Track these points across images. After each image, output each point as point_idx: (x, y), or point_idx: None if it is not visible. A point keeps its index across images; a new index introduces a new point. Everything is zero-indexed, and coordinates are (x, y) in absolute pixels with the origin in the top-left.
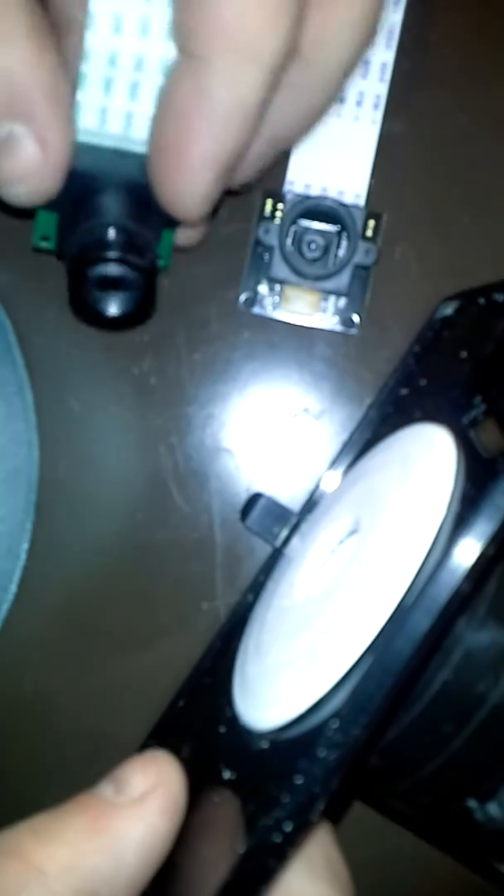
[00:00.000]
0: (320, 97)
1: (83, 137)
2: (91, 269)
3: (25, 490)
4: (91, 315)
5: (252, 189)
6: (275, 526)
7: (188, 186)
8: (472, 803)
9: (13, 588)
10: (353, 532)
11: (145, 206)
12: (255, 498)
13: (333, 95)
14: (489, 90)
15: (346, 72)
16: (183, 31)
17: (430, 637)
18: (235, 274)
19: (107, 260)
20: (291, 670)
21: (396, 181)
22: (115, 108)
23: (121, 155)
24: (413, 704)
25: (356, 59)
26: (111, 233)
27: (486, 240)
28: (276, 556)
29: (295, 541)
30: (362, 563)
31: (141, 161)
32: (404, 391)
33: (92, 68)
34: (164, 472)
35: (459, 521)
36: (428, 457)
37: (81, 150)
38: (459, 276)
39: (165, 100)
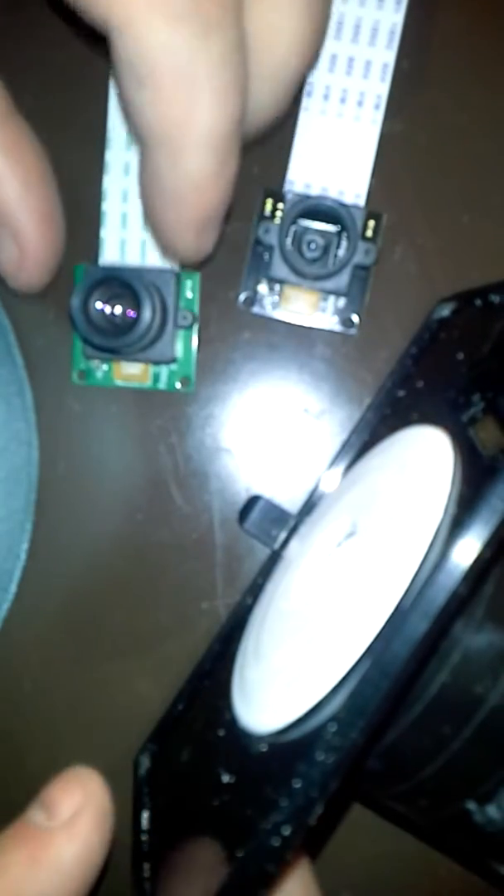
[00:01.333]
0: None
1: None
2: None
3: (25, 490)
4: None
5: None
6: (273, 529)
7: (175, 245)
8: (472, 805)
9: (13, 588)
10: (351, 535)
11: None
12: (252, 500)
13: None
14: (489, 90)
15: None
16: (129, 124)
17: (428, 640)
18: (235, 274)
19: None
20: (289, 673)
21: (396, 181)
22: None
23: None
24: (411, 707)
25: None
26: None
27: (486, 240)
28: (274, 559)
29: (293, 543)
30: (360, 565)
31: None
32: (401, 393)
33: (110, 206)
34: (164, 472)
35: (457, 523)
36: (425, 459)
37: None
38: (459, 276)
39: (139, 180)
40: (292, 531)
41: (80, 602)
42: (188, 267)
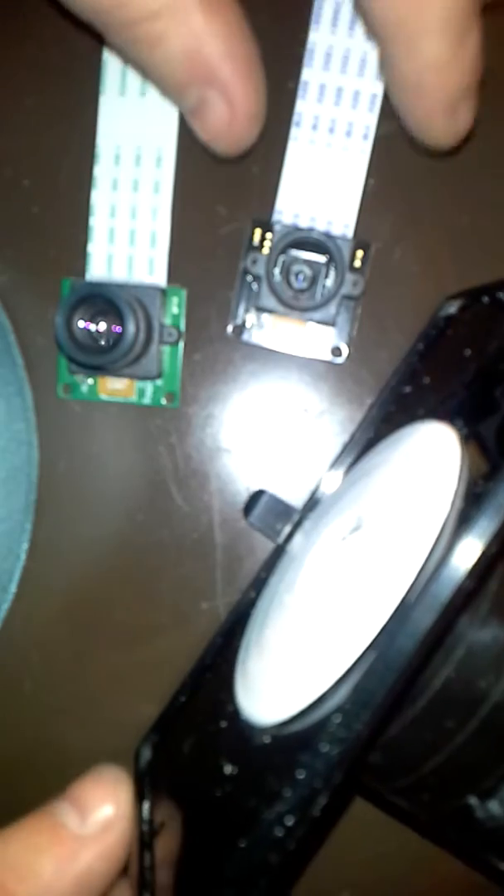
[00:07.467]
0: None
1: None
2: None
3: (25, 490)
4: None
5: None
6: (277, 522)
7: (429, 132)
8: (473, 800)
9: (13, 588)
10: (356, 529)
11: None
12: (257, 494)
13: None
14: (488, 89)
15: None
16: (365, 24)
17: (433, 634)
18: (233, 275)
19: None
20: (294, 666)
21: (397, 181)
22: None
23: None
24: (415, 701)
25: None
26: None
27: (486, 240)
28: (278, 553)
29: (298, 538)
30: (365, 559)
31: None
32: (407, 389)
33: (98, 221)
34: (164, 472)
35: (463, 518)
36: (432, 454)
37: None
38: (459, 276)
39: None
40: (297, 525)
41: (79, 602)
42: (175, 283)
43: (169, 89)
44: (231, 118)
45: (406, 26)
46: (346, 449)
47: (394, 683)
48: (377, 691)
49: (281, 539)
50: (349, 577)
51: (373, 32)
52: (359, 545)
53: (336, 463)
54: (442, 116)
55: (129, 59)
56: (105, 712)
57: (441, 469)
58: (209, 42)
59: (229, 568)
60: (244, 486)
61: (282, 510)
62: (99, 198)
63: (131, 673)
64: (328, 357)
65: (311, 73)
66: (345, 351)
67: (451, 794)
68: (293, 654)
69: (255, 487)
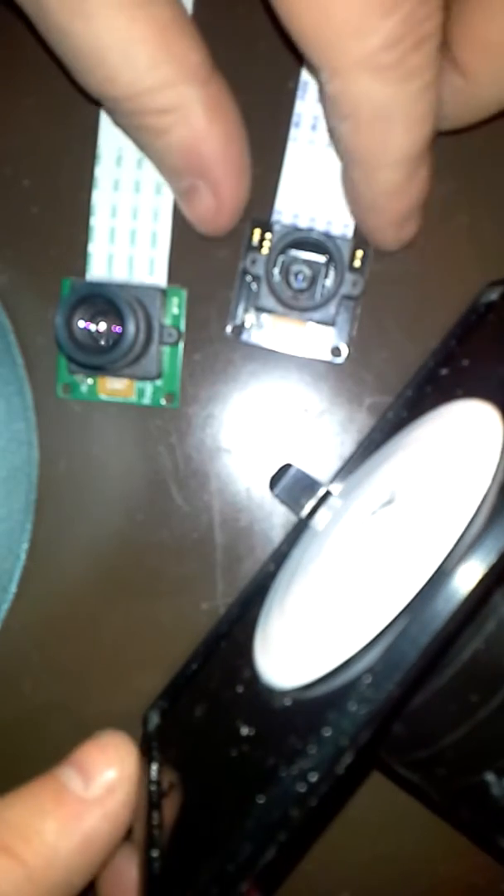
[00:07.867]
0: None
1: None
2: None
3: (25, 490)
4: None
5: None
6: (303, 497)
7: (377, 241)
8: (490, 777)
9: (13, 588)
10: (389, 503)
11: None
12: (284, 468)
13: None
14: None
15: None
16: (332, 141)
17: (469, 602)
18: (233, 276)
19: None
20: (322, 630)
21: None
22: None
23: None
24: (442, 671)
25: None
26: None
27: (486, 240)
28: (301, 527)
29: (323, 512)
30: (399, 530)
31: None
32: (444, 371)
33: (98, 221)
34: (164, 472)
35: None
36: (473, 428)
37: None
38: (459, 276)
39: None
40: (321, 500)
41: (79, 602)
42: (175, 283)
43: (164, 172)
44: (217, 210)
45: (368, 157)
46: (374, 430)
47: (427, 646)
48: (410, 653)
49: (305, 513)
50: (382, 546)
51: (339, 154)
52: (392, 517)
53: (366, 442)
54: (390, 231)
55: (129, 136)
56: (105, 713)
57: (482, 442)
58: (208, 142)
59: (229, 568)
60: (244, 486)
61: (308, 484)
62: (100, 198)
63: (131, 673)
64: (328, 357)
65: (310, 74)
66: (345, 351)
67: (468, 769)
68: (320, 618)
69: (255, 488)
